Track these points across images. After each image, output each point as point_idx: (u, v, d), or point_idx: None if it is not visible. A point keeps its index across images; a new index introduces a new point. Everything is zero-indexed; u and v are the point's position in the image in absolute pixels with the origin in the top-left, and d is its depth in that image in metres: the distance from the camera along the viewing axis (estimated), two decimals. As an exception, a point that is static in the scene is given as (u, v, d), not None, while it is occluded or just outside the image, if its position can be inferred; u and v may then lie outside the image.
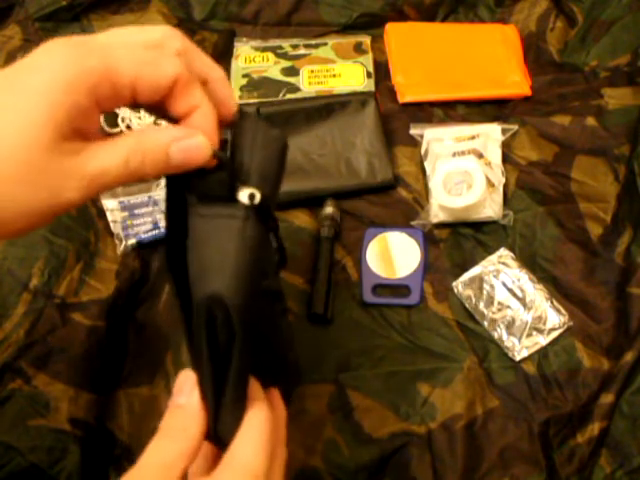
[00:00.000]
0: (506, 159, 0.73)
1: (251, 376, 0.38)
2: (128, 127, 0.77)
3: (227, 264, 0.34)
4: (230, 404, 0.37)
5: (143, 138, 0.33)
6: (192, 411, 0.37)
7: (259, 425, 0.37)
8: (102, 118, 0.78)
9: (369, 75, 0.82)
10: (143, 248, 0.69)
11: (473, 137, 0.72)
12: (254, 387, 0.38)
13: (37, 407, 0.59)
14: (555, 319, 0.63)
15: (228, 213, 0.34)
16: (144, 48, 0.33)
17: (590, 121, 0.74)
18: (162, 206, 0.71)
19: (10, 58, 0.84)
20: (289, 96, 0.80)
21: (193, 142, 0.33)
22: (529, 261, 0.66)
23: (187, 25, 0.86)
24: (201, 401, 0.37)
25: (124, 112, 0.78)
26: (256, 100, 0.79)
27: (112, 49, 0.32)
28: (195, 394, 0.37)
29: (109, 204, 0.70)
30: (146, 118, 0.77)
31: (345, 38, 0.86)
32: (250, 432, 0.37)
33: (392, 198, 0.72)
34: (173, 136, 0.33)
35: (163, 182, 0.70)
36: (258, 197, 0.34)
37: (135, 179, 0.33)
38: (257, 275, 0.35)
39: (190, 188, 0.35)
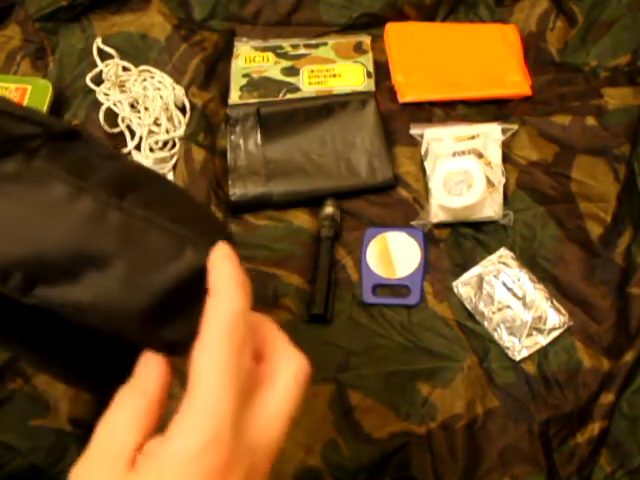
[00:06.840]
0: (506, 159, 0.72)
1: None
2: (128, 127, 0.77)
3: None
4: None
5: None
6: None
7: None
8: (102, 118, 0.78)
9: (369, 75, 0.82)
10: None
11: (473, 137, 0.72)
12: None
13: (37, 407, 0.59)
14: (555, 319, 0.63)
15: None
16: None
17: (590, 121, 0.74)
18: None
19: (10, 58, 0.84)
20: (289, 96, 0.80)
21: None
22: (529, 261, 0.66)
23: (187, 25, 0.86)
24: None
25: (124, 112, 0.77)
26: (256, 100, 0.79)
27: None
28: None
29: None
30: (147, 118, 0.77)
31: (345, 38, 0.85)
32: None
33: (392, 198, 0.72)
34: None
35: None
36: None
37: None
38: None
39: None
